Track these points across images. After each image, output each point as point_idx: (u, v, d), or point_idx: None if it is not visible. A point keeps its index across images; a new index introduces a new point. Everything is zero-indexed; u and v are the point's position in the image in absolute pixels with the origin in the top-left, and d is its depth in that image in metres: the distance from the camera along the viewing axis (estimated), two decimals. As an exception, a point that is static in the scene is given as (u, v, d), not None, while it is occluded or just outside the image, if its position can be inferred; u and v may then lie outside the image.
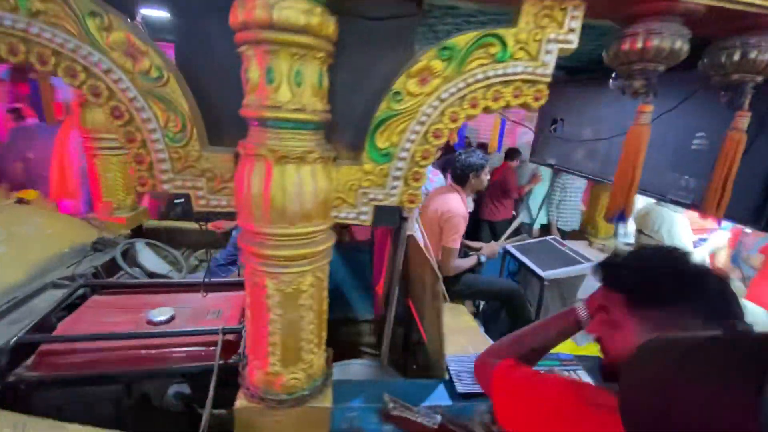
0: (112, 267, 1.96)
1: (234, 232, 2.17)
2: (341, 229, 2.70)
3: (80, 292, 1.62)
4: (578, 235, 2.73)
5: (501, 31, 0.84)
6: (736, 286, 2.21)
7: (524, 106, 0.92)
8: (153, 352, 1.25)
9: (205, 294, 1.49)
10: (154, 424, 1.23)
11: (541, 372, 0.77)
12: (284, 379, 0.96)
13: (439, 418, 1.17)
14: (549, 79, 0.89)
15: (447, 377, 1.31)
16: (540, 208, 3.67)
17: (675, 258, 0.72)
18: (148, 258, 2.07)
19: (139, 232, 2.40)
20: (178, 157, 0.87)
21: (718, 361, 0.41)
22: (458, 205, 2.23)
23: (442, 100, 0.88)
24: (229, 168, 0.90)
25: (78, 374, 1.16)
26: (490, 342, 1.72)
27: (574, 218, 3.69)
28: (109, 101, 0.82)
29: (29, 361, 1.15)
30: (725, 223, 2.66)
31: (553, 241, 2.40)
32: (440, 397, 1.25)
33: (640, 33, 0.86)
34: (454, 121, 0.91)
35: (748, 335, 0.46)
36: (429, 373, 1.49)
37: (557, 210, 3.61)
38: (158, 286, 1.65)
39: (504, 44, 0.85)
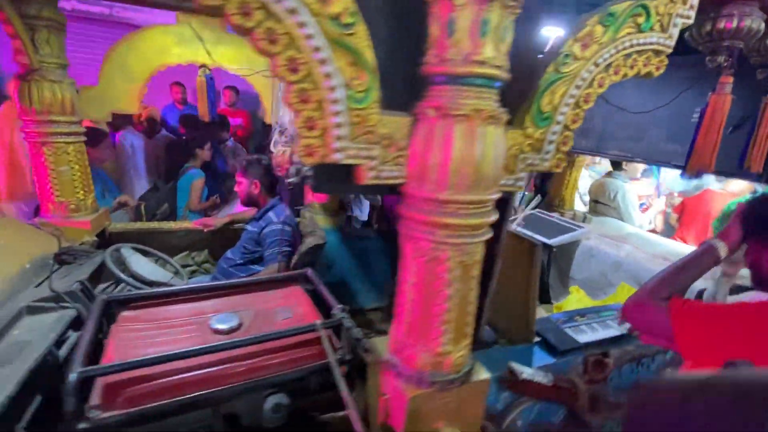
0: (94, 279, 1.58)
1: (250, 227, 1.89)
2: (340, 216, 2.58)
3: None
4: (547, 208, 3.06)
5: (648, 3, 0.91)
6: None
7: (648, 75, 1.01)
8: (242, 364, 1.06)
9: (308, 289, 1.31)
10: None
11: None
12: (453, 358, 0.91)
13: (551, 376, 1.24)
14: (671, 51, 0.99)
15: (536, 340, 1.39)
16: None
17: None
18: (142, 265, 1.69)
19: (102, 237, 1.95)
20: (358, 122, 0.75)
21: (719, 401, 0.41)
22: None
23: (597, 65, 0.92)
24: (405, 133, 0.81)
25: (163, 404, 0.92)
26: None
27: (523, 195, 4.12)
28: (287, 50, 0.67)
29: (94, 400, 0.88)
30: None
31: (539, 213, 2.66)
32: (542, 358, 1.31)
33: (735, 14, 1.02)
34: (601, 86, 0.95)
35: (748, 374, 0.48)
36: (506, 341, 1.53)
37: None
38: (190, 293, 1.38)
39: (648, 15, 0.92)
